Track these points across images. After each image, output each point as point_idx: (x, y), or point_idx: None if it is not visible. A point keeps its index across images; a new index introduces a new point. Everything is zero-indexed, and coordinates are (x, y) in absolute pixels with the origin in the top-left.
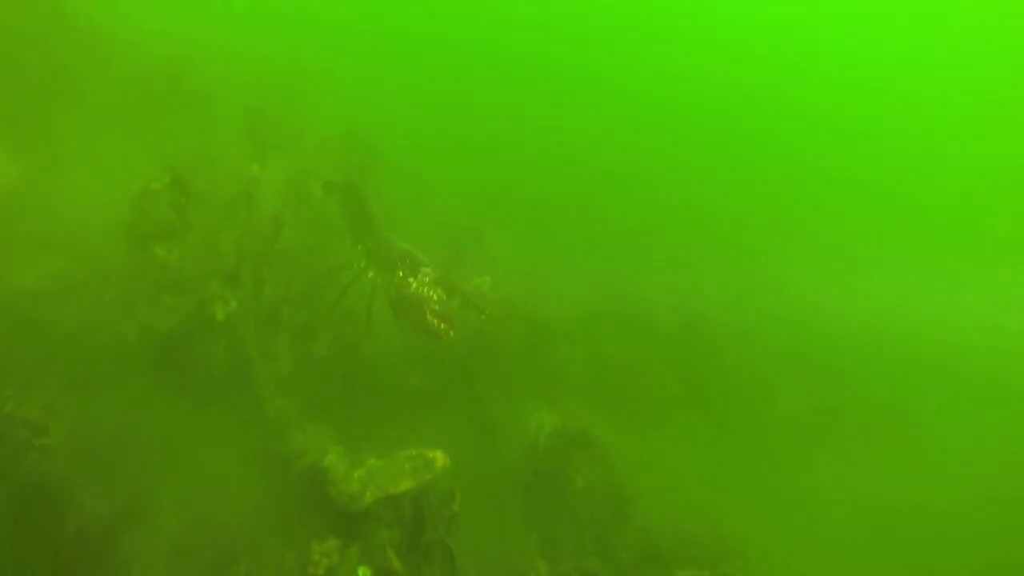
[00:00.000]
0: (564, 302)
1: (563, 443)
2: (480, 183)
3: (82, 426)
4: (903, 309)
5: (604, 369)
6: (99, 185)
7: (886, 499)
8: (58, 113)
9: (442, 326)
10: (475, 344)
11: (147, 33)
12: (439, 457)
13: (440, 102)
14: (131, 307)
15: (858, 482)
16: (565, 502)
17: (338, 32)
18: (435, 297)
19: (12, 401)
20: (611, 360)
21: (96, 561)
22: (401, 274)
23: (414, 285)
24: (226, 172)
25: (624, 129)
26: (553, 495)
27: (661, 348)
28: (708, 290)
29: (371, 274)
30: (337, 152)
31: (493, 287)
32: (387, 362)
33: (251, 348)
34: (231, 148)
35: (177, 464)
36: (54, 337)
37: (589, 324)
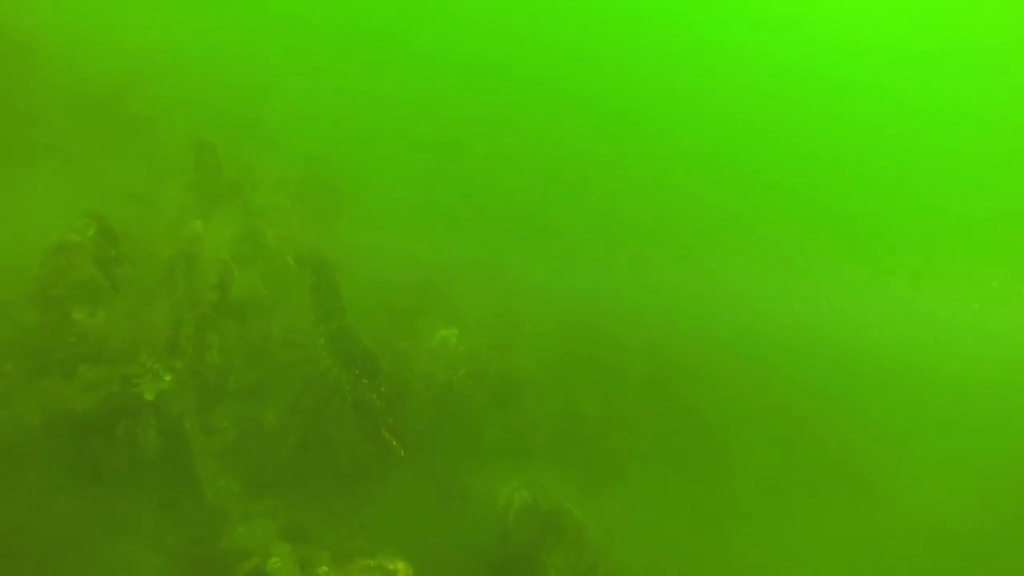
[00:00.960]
0: (533, 350)
1: (534, 522)
2: (451, 225)
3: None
4: (882, 355)
5: (576, 424)
6: (9, 229)
7: (859, 559)
8: None
9: (394, 443)
10: (440, 403)
11: (87, 42)
12: (400, 569)
13: (407, 133)
14: (40, 380)
15: (828, 537)
16: None
17: (301, 51)
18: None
19: None
20: (582, 413)
21: None
22: (358, 373)
23: (372, 396)
24: (165, 223)
25: (598, 159)
26: None
27: (632, 401)
28: (682, 332)
29: (329, 365)
30: (296, 196)
31: (460, 339)
32: (342, 427)
33: (188, 424)
34: (173, 191)
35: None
36: None
37: (560, 374)
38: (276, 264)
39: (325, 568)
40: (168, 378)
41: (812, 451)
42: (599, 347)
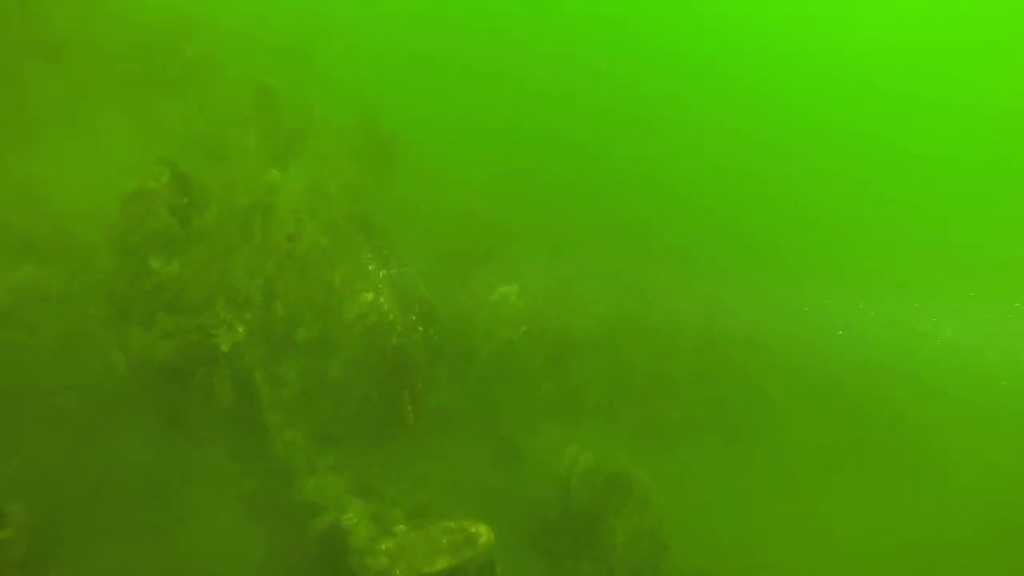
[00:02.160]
0: (588, 309)
1: (597, 484)
2: (507, 180)
3: (49, 500)
4: (928, 334)
5: (628, 385)
6: (84, 172)
7: (903, 529)
8: (36, 79)
9: (408, 408)
10: (502, 360)
11: None
12: (483, 532)
13: (467, 88)
14: (122, 327)
15: (875, 511)
16: (603, 554)
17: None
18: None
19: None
20: (635, 376)
21: None
22: (414, 320)
23: (416, 349)
24: (240, 171)
25: (660, 130)
26: (590, 545)
27: (684, 364)
28: (732, 304)
29: (387, 310)
30: (354, 144)
31: (519, 295)
32: (405, 382)
33: (258, 376)
34: (245, 138)
35: (174, 521)
36: (24, 365)
37: (614, 336)
38: (337, 215)
39: (402, 527)
40: (241, 329)
41: (862, 422)
42: (651, 310)
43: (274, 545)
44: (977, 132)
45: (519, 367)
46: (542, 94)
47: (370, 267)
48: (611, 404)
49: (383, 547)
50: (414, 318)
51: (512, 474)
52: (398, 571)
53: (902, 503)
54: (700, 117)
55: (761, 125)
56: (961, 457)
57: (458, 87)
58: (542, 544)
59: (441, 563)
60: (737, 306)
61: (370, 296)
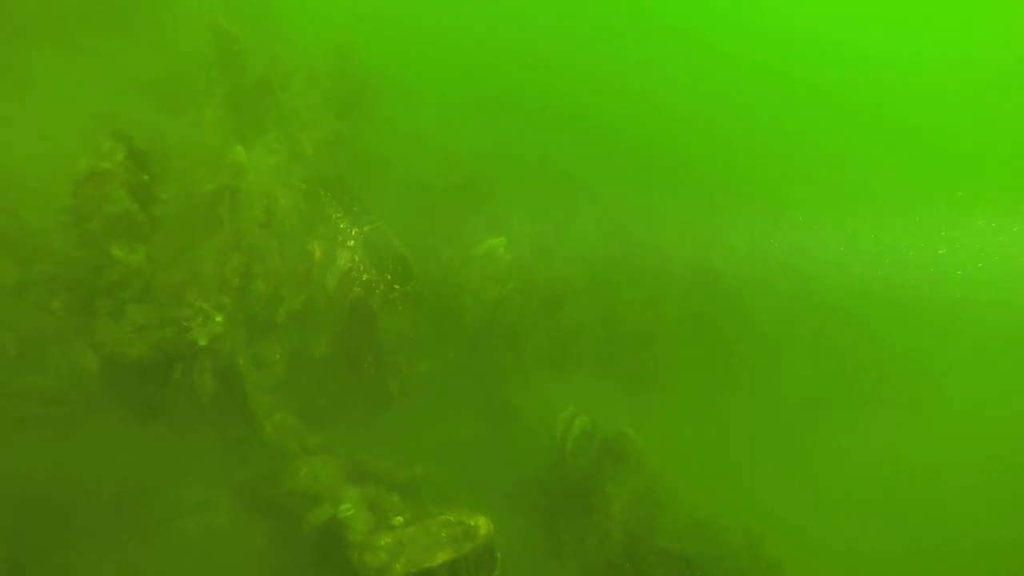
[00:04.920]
0: (578, 259)
1: (593, 449)
2: (490, 126)
3: (29, 508)
4: (919, 267)
5: (619, 333)
6: (26, 134)
7: (895, 468)
8: None
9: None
10: (490, 319)
11: None
12: (482, 524)
13: (440, 26)
14: (89, 321)
15: (867, 449)
16: (600, 522)
17: None
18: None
19: None
20: (626, 322)
21: None
22: (390, 278)
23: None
24: (203, 149)
25: (639, 63)
26: (587, 513)
27: (676, 307)
28: (724, 241)
29: (360, 263)
30: (328, 92)
31: (508, 248)
32: (393, 348)
33: (241, 360)
34: (197, 87)
35: (163, 522)
36: None
37: (605, 283)
38: (310, 175)
39: (400, 519)
40: (219, 319)
41: (854, 360)
42: (642, 252)
43: (271, 540)
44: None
45: (509, 323)
46: (526, 28)
47: (341, 226)
48: (603, 353)
49: (382, 542)
50: (389, 276)
51: (505, 437)
52: (398, 566)
53: (895, 443)
54: (688, 51)
55: (754, 53)
56: (956, 393)
57: (438, 24)
58: (538, 512)
59: (441, 557)
60: (730, 244)
61: (346, 259)
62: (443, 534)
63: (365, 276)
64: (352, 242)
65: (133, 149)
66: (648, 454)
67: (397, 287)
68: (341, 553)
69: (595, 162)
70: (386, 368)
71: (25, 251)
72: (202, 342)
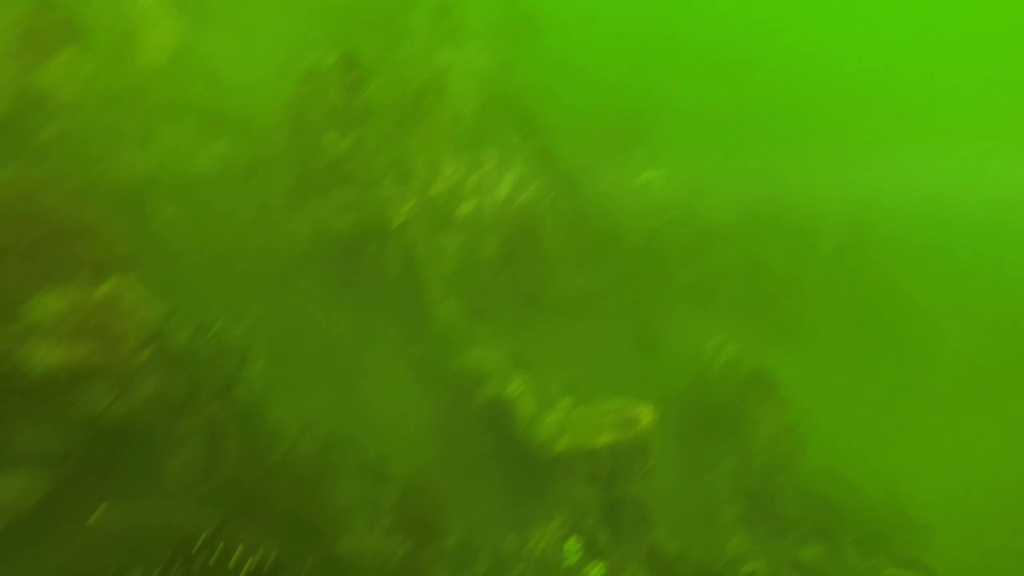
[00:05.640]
0: (730, 201)
1: (739, 377)
2: (656, 62)
3: (279, 348)
4: None
5: (766, 278)
6: (260, 51)
7: None
8: None
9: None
10: (642, 247)
11: None
12: (646, 414)
13: None
14: (300, 199)
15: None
16: (743, 446)
17: None
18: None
19: (221, 318)
20: (774, 268)
21: (299, 487)
22: (553, 196)
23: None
24: (404, 49)
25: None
26: (730, 436)
27: (825, 263)
28: (883, 198)
29: (527, 178)
30: (500, 21)
31: (665, 182)
32: (552, 261)
33: (421, 249)
34: (401, 13)
35: (357, 375)
36: (233, 229)
37: (754, 227)
38: (490, 94)
39: (566, 401)
40: (409, 205)
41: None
42: (796, 204)
43: (441, 408)
44: None
45: (660, 255)
46: None
47: (514, 142)
48: (747, 297)
49: (548, 419)
50: (553, 194)
51: (650, 359)
52: (562, 443)
53: None
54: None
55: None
56: None
57: None
58: (682, 430)
59: (604, 439)
60: (889, 202)
61: (518, 174)
62: (607, 419)
63: (531, 191)
64: (522, 158)
65: (347, 51)
66: (793, 393)
67: (559, 204)
68: (507, 426)
69: (754, 108)
70: (544, 279)
71: (253, 138)
72: (393, 226)
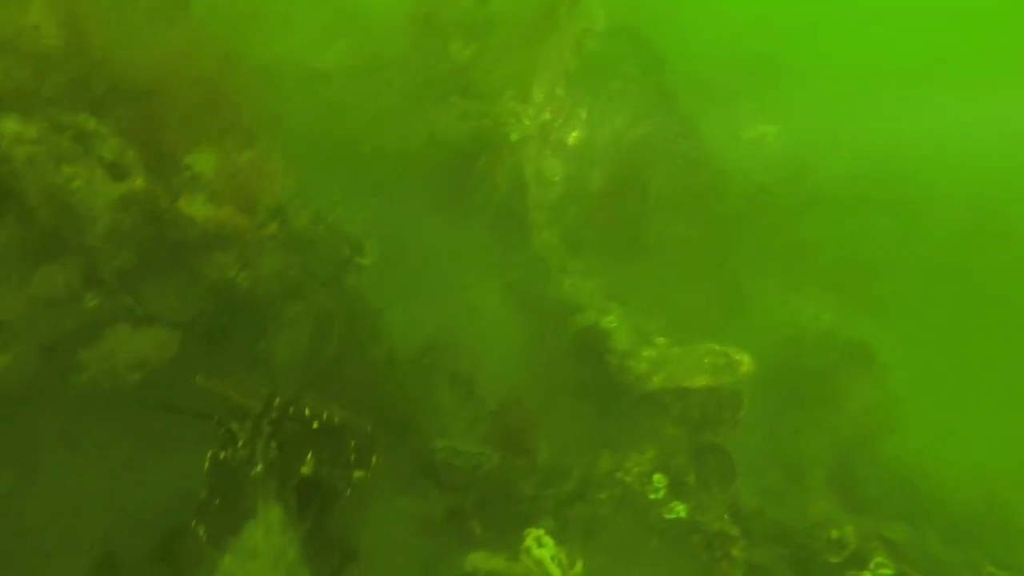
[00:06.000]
0: (844, 166)
1: (834, 349)
2: (784, 7)
3: (387, 248)
4: None
5: (871, 253)
6: None
7: None
8: None
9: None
10: (746, 202)
11: None
12: (746, 361)
13: None
14: (417, 103)
15: None
16: (831, 416)
17: None
18: None
19: (340, 207)
20: (875, 246)
21: (398, 384)
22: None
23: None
24: None
25: None
26: (819, 404)
27: (942, 239)
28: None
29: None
30: None
31: (778, 138)
32: (655, 204)
33: (530, 171)
34: None
35: (457, 288)
36: (352, 127)
37: (866, 196)
38: (613, 19)
39: (662, 339)
40: (528, 123)
41: None
42: (909, 176)
43: (535, 332)
44: None
45: (763, 213)
46: None
47: (639, 78)
48: (848, 270)
49: (645, 354)
50: (671, 139)
51: (739, 317)
52: (657, 379)
53: None
54: None
55: None
56: None
57: None
58: (772, 390)
59: (700, 381)
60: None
61: (635, 108)
62: (706, 360)
63: (645, 128)
64: (640, 92)
65: None
66: (890, 373)
67: (672, 147)
68: (600, 357)
69: (883, 72)
70: (644, 220)
71: (379, 39)
72: (508, 142)
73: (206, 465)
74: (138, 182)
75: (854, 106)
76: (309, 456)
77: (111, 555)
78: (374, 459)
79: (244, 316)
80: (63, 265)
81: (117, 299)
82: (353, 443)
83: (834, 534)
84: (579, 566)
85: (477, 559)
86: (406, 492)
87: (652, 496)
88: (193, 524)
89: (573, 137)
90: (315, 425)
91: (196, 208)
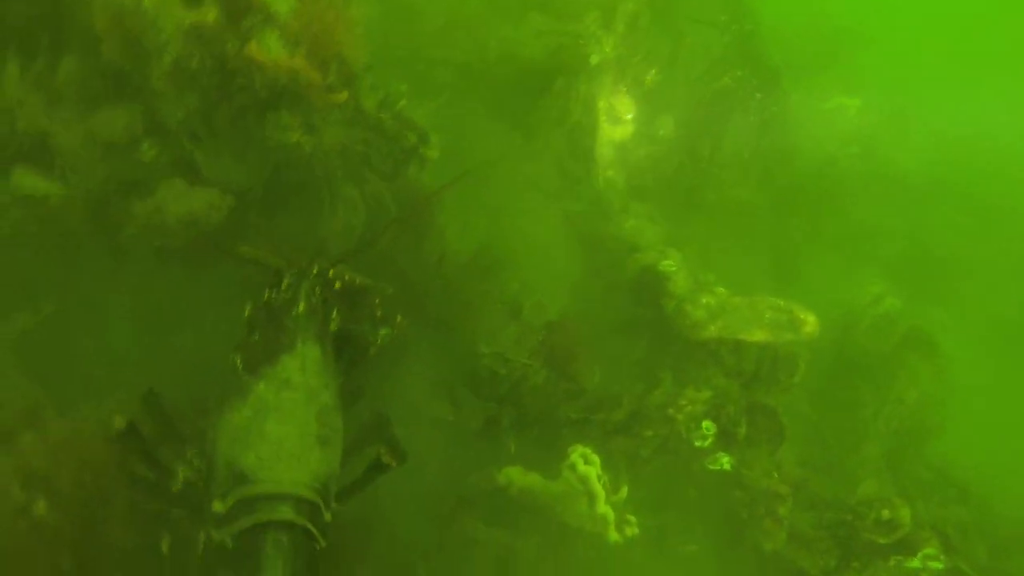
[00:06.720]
0: (926, 151)
1: (894, 334)
2: None
3: (449, 150)
4: None
5: (943, 242)
6: None
7: None
8: None
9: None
10: (814, 173)
11: None
12: (810, 321)
13: None
14: (494, 17)
15: None
16: (883, 400)
17: None
18: None
19: (405, 100)
20: (945, 243)
21: (449, 285)
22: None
23: None
24: None
25: None
26: (871, 387)
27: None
28: None
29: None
30: None
31: (859, 112)
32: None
33: (601, 104)
34: None
35: (513, 214)
36: (423, 31)
37: (939, 180)
38: None
39: (722, 289)
40: (608, 49)
41: None
42: (986, 176)
43: (591, 265)
44: None
45: (830, 186)
46: None
47: (725, 26)
48: (914, 257)
49: (704, 300)
50: (748, 94)
51: (795, 289)
52: (714, 328)
53: None
54: None
55: None
56: None
57: None
58: (827, 363)
59: (759, 335)
60: None
61: (717, 57)
62: (767, 315)
63: (725, 81)
64: (724, 42)
65: None
66: (951, 368)
67: (748, 102)
68: (657, 300)
69: (978, 55)
70: (709, 176)
71: None
72: (593, 60)
73: (247, 312)
74: (211, 15)
75: (942, 89)
76: (334, 312)
77: (153, 391)
78: (399, 318)
79: (299, 191)
80: (125, 109)
81: (175, 151)
82: (377, 301)
83: (885, 514)
84: (624, 491)
85: (512, 473)
86: (441, 398)
87: (698, 443)
88: (231, 356)
89: (651, 76)
90: (337, 285)
91: (267, 51)
